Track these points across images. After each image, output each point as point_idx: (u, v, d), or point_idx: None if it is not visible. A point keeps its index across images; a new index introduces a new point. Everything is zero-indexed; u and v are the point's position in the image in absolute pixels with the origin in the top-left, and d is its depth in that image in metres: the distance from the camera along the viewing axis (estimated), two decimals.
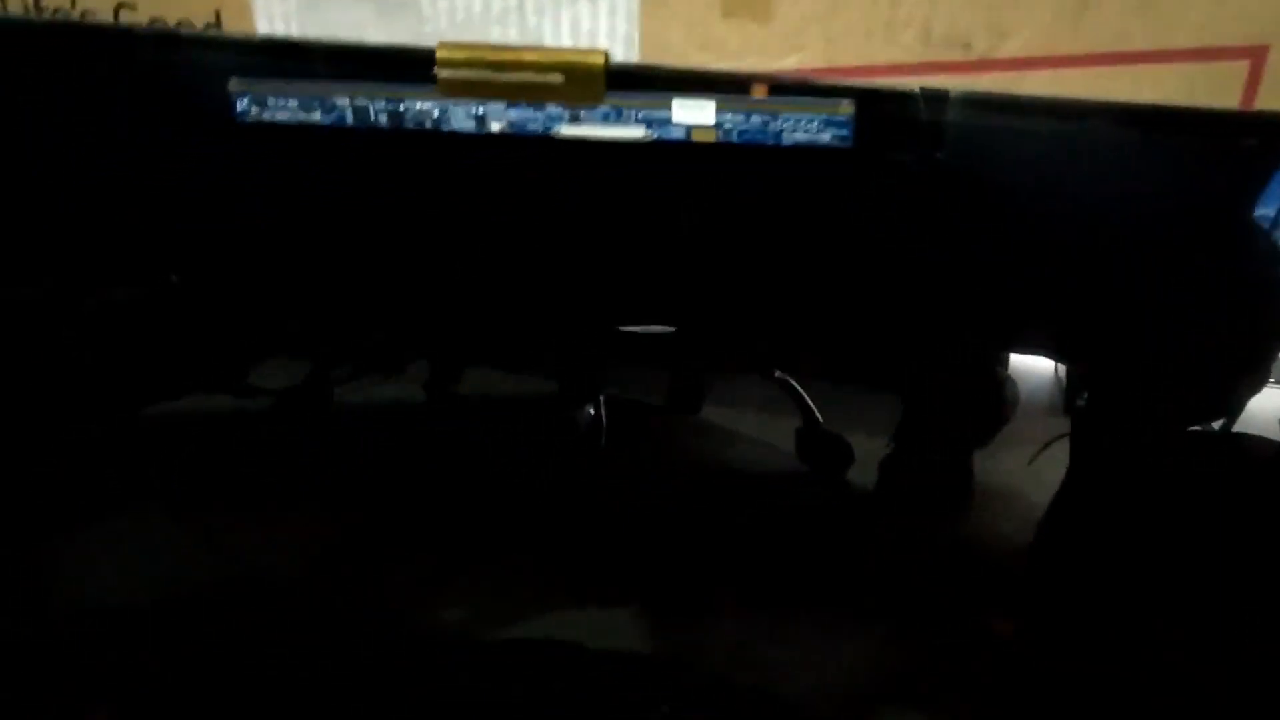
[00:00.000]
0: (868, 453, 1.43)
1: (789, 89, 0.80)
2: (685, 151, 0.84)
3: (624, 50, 0.83)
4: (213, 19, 0.88)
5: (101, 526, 1.28)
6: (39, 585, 1.18)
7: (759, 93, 0.80)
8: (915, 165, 0.84)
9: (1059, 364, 1.66)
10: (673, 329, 1.52)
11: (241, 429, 1.55)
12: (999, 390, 1.41)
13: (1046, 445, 1.29)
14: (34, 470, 1.33)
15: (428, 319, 1.59)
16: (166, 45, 0.88)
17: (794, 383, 1.53)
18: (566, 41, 0.84)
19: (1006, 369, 1.42)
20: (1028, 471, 1.33)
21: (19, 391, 1.36)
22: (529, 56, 0.82)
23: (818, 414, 1.51)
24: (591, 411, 1.47)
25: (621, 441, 1.48)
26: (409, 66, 0.83)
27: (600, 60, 0.81)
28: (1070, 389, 1.64)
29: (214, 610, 1.14)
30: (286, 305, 1.56)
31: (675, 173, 0.90)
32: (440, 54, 0.83)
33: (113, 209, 1.08)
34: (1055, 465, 1.18)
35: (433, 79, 0.83)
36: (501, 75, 0.82)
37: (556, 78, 0.81)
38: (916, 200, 0.90)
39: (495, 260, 1.15)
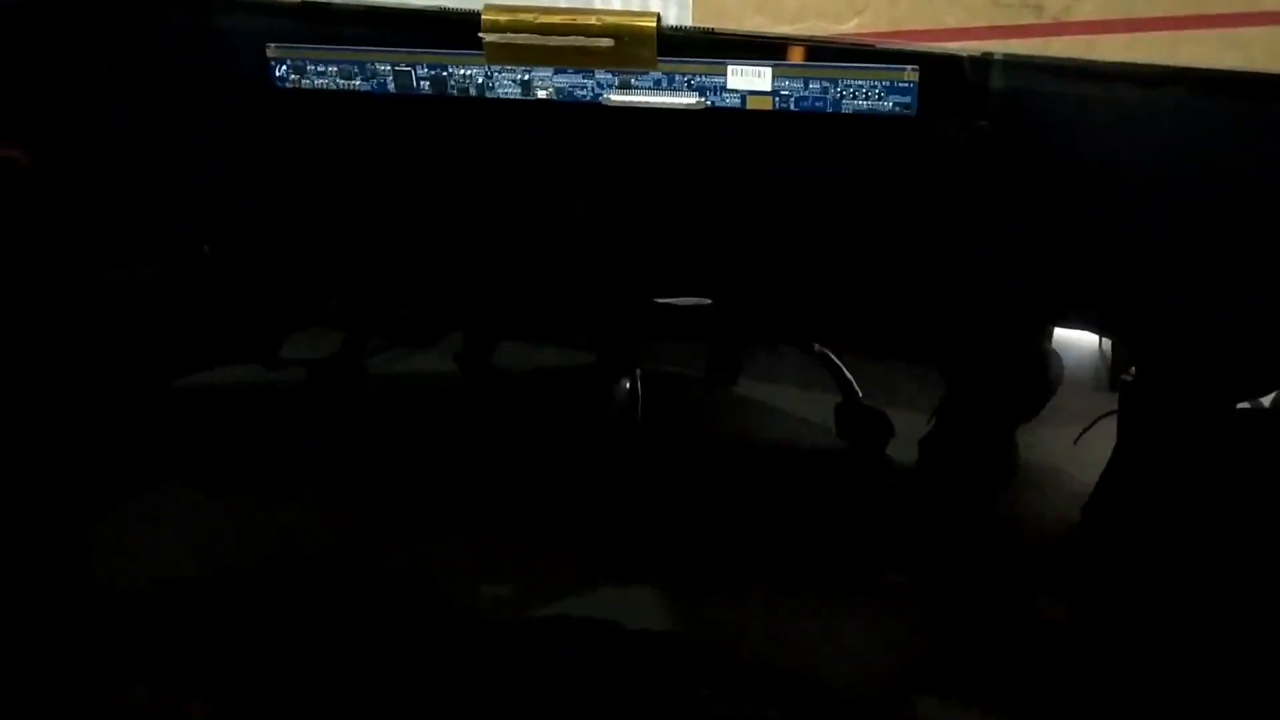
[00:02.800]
0: (909, 429, 1.39)
1: (850, 54, 0.75)
2: (739, 119, 0.80)
3: (677, 13, 0.80)
4: None
5: (132, 503, 1.25)
6: (68, 565, 1.16)
7: (796, 56, 0.76)
8: (979, 134, 0.80)
9: (1104, 339, 1.62)
10: (709, 301, 1.49)
11: (273, 402, 1.52)
12: (1044, 364, 1.36)
13: (1093, 423, 1.24)
14: (64, 446, 1.31)
15: (462, 290, 1.55)
16: (201, 9, 0.85)
17: (833, 356, 1.48)
18: (617, 4, 0.80)
19: (1050, 342, 1.38)
20: (1073, 449, 1.29)
21: (49, 367, 1.33)
22: (578, 20, 0.77)
23: (858, 388, 1.47)
24: (628, 385, 1.44)
25: (658, 416, 1.44)
26: (453, 30, 0.80)
27: (652, 24, 0.77)
28: (1116, 365, 1.60)
29: (245, 587, 1.11)
30: (321, 276, 1.53)
31: (727, 141, 0.86)
32: (486, 17, 0.78)
33: (147, 181, 1.05)
34: (1101, 443, 1.14)
35: (478, 44, 0.79)
36: (549, 39, 0.78)
37: (606, 42, 0.77)
38: (976, 170, 0.86)
39: (535, 230, 1.11)
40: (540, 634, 1.06)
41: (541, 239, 1.15)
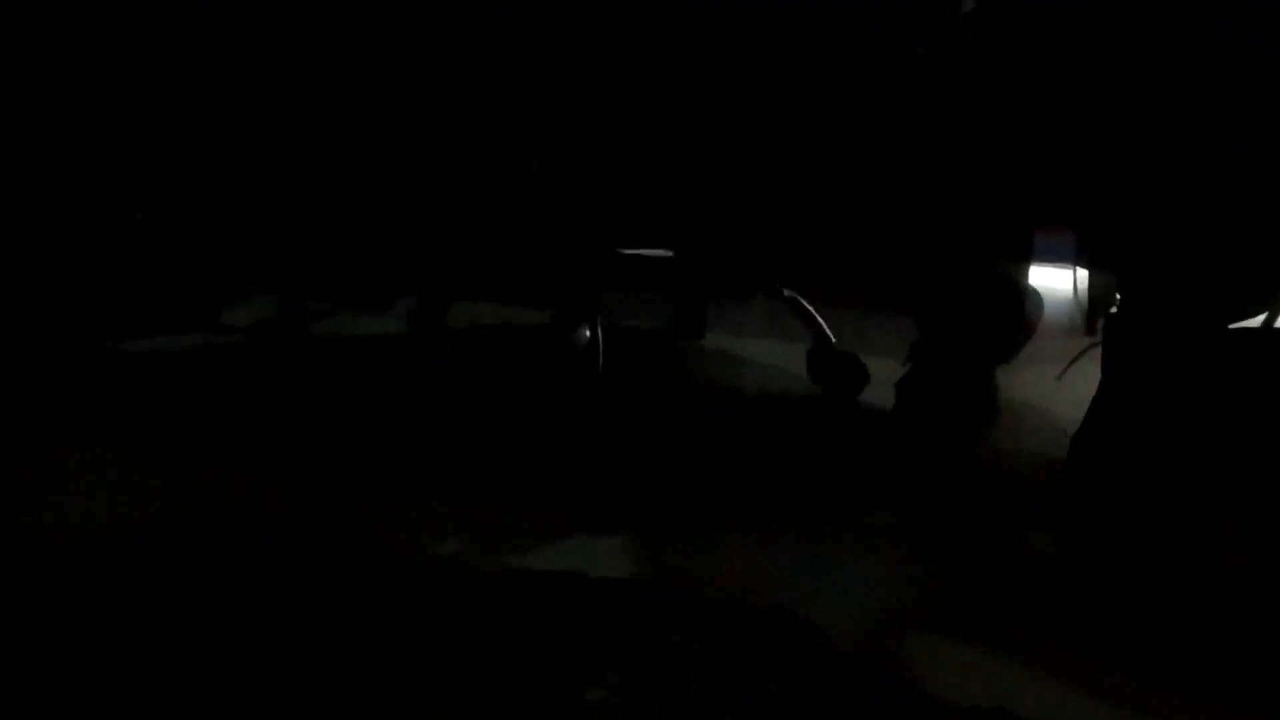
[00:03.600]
0: (884, 373, 1.30)
1: None
2: (695, 16, 0.70)
3: None
4: None
5: (74, 466, 1.16)
6: (5, 526, 1.06)
7: None
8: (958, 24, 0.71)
9: (1079, 281, 1.55)
10: (671, 253, 1.40)
11: (214, 366, 1.43)
12: (1020, 301, 1.28)
13: (1077, 358, 1.17)
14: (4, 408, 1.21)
15: (411, 245, 1.46)
16: None
17: (803, 301, 1.40)
18: None
19: (1027, 279, 1.31)
20: (1054, 388, 1.22)
21: None
22: None
23: (829, 333, 1.38)
24: (588, 334, 1.34)
25: (621, 367, 1.36)
26: None
27: None
28: (1093, 306, 1.53)
29: (192, 552, 1.02)
30: (258, 235, 1.44)
31: (680, 49, 0.77)
32: None
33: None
34: (1082, 380, 1.07)
35: None
36: None
37: None
38: (951, 73, 0.77)
39: (486, 183, 1.02)
40: (501, 586, 0.97)
41: (494, 193, 1.07)
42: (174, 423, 1.26)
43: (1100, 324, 1.12)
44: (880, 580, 0.99)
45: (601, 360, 1.33)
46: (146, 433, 1.23)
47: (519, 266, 1.52)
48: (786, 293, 1.41)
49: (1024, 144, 0.90)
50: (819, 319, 1.39)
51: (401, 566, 1.00)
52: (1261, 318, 1.01)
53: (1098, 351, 1.06)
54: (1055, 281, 1.55)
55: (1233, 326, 1.01)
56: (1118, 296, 1.11)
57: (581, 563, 1.00)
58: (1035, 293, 1.34)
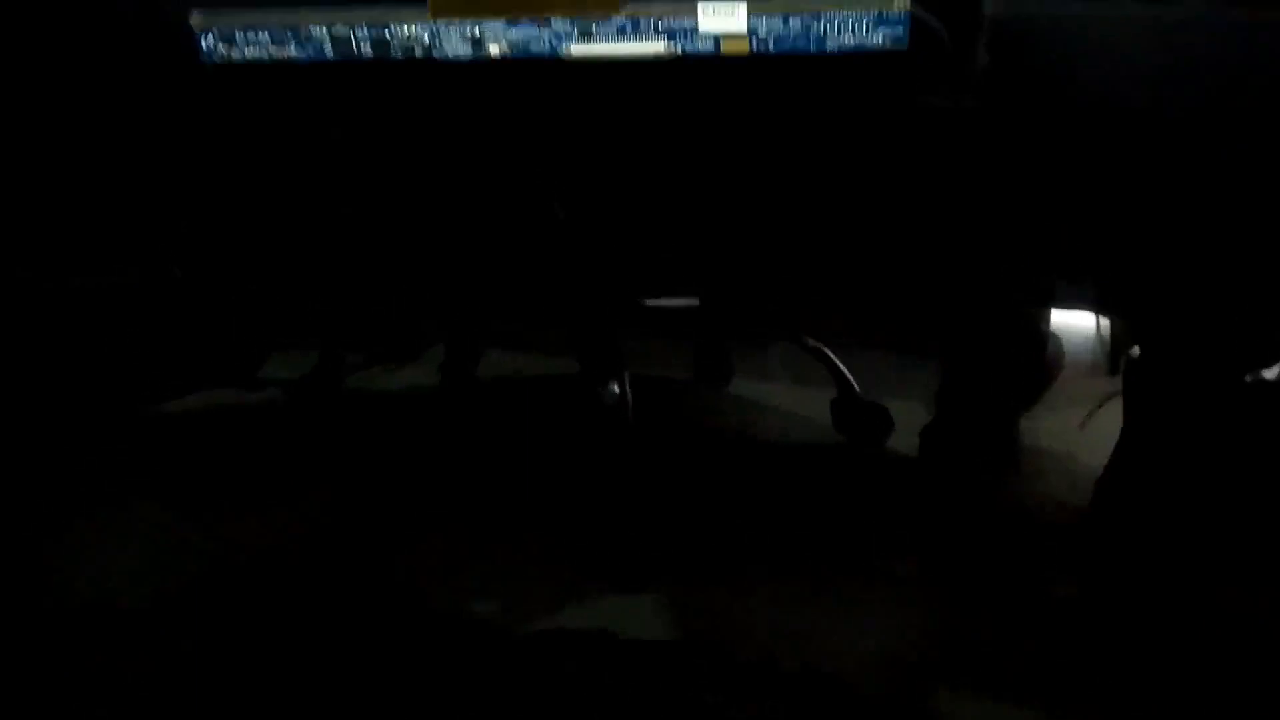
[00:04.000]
0: (908, 421, 1.30)
1: None
2: (712, 70, 0.71)
3: None
4: None
5: (112, 524, 1.17)
6: (49, 584, 1.08)
7: None
8: (975, 75, 0.71)
9: (1101, 323, 1.54)
10: (697, 301, 1.40)
11: (251, 422, 1.44)
12: (1042, 347, 1.28)
13: (1099, 406, 1.16)
14: (43, 469, 1.23)
15: (439, 296, 1.47)
16: None
17: (827, 350, 1.40)
18: None
19: (1049, 325, 1.30)
20: (1076, 434, 1.21)
21: (24, 389, 1.26)
22: None
23: (854, 382, 1.38)
24: (616, 388, 1.35)
25: (650, 418, 1.36)
26: None
27: None
28: (1115, 348, 1.52)
29: (228, 606, 1.03)
30: (290, 289, 1.45)
31: (701, 100, 0.77)
32: None
33: (83, 186, 0.97)
34: (1105, 425, 1.06)
35: None
36: None
37: None
38: (972, 117, 0.77)
39: (512, 234, 1.03)
40: (535, 647, 0.97)
41: (520, 243, 1.07)
42: (212, 479, 1.27)
43: (1122, 365, 1.12)
44: (908, 633, 0.98)
45: (631, 412, 1.34)
46: (184, 490, 1.24)
47: (546, 316, 1.53)
48: (810, 342, 1.40)
49: (1044, 193, 0.90)
50: (843, 368, 1.39)
51: (436, 625, 1.01)
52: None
53: (1119, 399, 1.06)
54: (1077, 322, 1.54)
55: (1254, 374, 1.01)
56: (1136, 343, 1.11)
57: (614, 621, 1.00)
58: (1056, 338, 1.34)
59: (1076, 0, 0.69)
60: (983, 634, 0.98)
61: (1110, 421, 1.06)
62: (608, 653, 0.97)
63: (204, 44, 0.72)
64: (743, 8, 0.66)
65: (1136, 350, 1.08)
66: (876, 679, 0.94)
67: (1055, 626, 0.99)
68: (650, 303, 1.40)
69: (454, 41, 0.70)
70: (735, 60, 0.71)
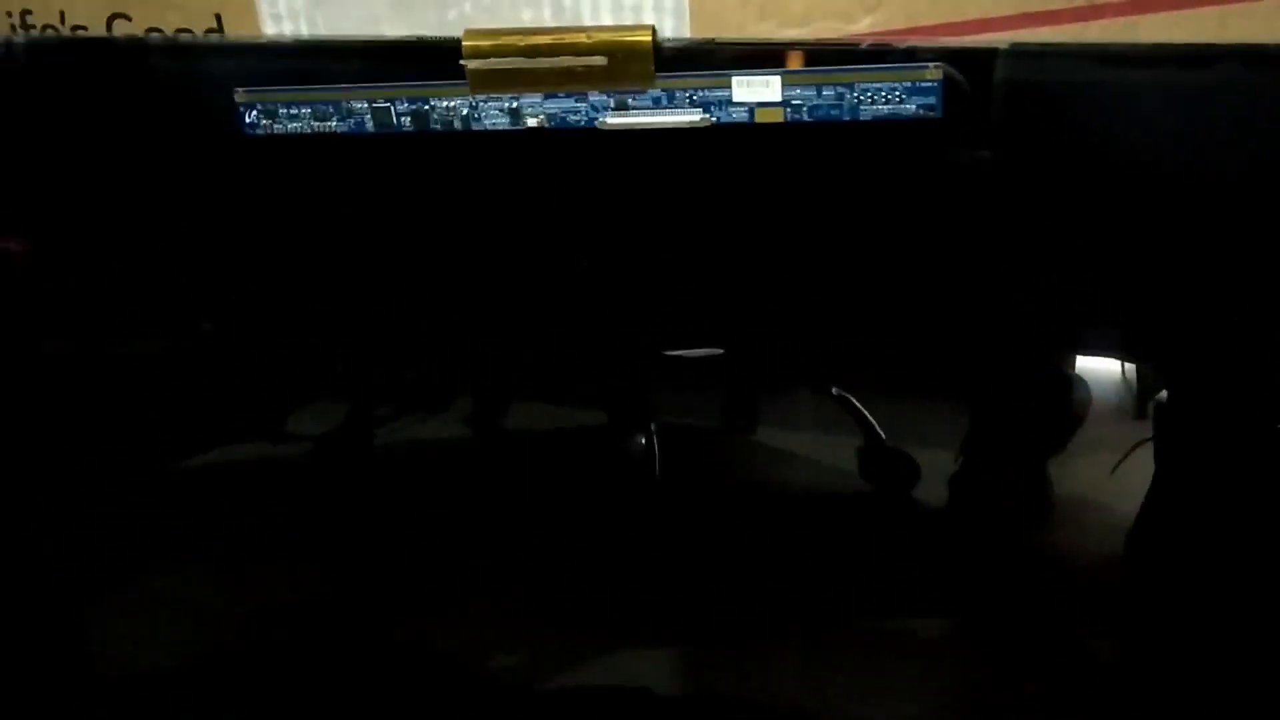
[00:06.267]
0: (935, 469, 1.29)
1: (866, 55, 0.67)
2: (746, 146, 0.71)
3: (673, 25, 0.71)
4: (214, 23, 0.76)
5: (137, 585, 1.17)
6: (74, 647, 1.07)
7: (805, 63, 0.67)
8: (1008, 139, 0.71)
9: (1127, 365, 1.53)
10: (721, 351, 1.40)
11: (280, 477, 1.44)
12: (1068, 390, 1.27)
13: (1130, 451, 1.15)
14: (65, 528, 1.22)
15: (469, 350, 1.47)
16: (166, 55, 0.76)
17: (853, 399, 1.39)
18: (607, 19, 0.72)
19: (1074, 368, 1.29)
20: (1107, 480, 1.20)
21: (49, 449, 1.25)
22: (567, 39, 0.69)
23: (880, 430, 1.38)
24: (643, 440, 1.34)
25: (677, 470, 1.35)
26: (433, 60, 0.71)
27: (648, 37, 0.68)
28: (1142, 391, 1.51)
29: (253, 663, 1.03)
30: (322, 346, 1.45)
31: (733, 166, 0.78)
32: (467, 43, 0.70)
33: (123, 250, 0.97)
34: (1137, 473, 1.05)
35: (460, 73, 0.71)
36: (537, 62, 0.69)
37: (599, 60, 0.68)
38: (1004, 180, 0.77)
39: (539, 286, 1.03)
40: (566, 705, 0.97)
41: (546, 294, 1.07)
42: (242, 537, 1.27)
43: (1151, 410, 1.11)
44: (938, 689, 0.98)
45: (658, 463, 1.33)
46: (214, 548, 1.24)
47: (573, 367, 1.53)
48: (835, 391, 1.40)
49: (1066, 242, 0.90)
50: (868, 416, 1.38)
51: (465, 681, 1.00)
52: None
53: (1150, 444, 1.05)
54: (1103, 366, 1.53)
55: None
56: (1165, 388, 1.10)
57: (643, 677, 0.99)
58: (1082, 381, 1.33)
59: (1094, 65, 0.69)
60: (1015, 692, 0.97)
61: (1144, 465, 1.05)
62: (638, 709, 0.97)
63: (247, 118, 0.73)
64: (778, 80, 0.66)
65: (1165, 394, 1.08)
66: None
67: (1096, 685, 0.98)
68: (674, 354, 1.41)
69: (492, 114, 0.71)
70: (765, 127, 0.71)
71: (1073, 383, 1.28)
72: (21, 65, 0.77)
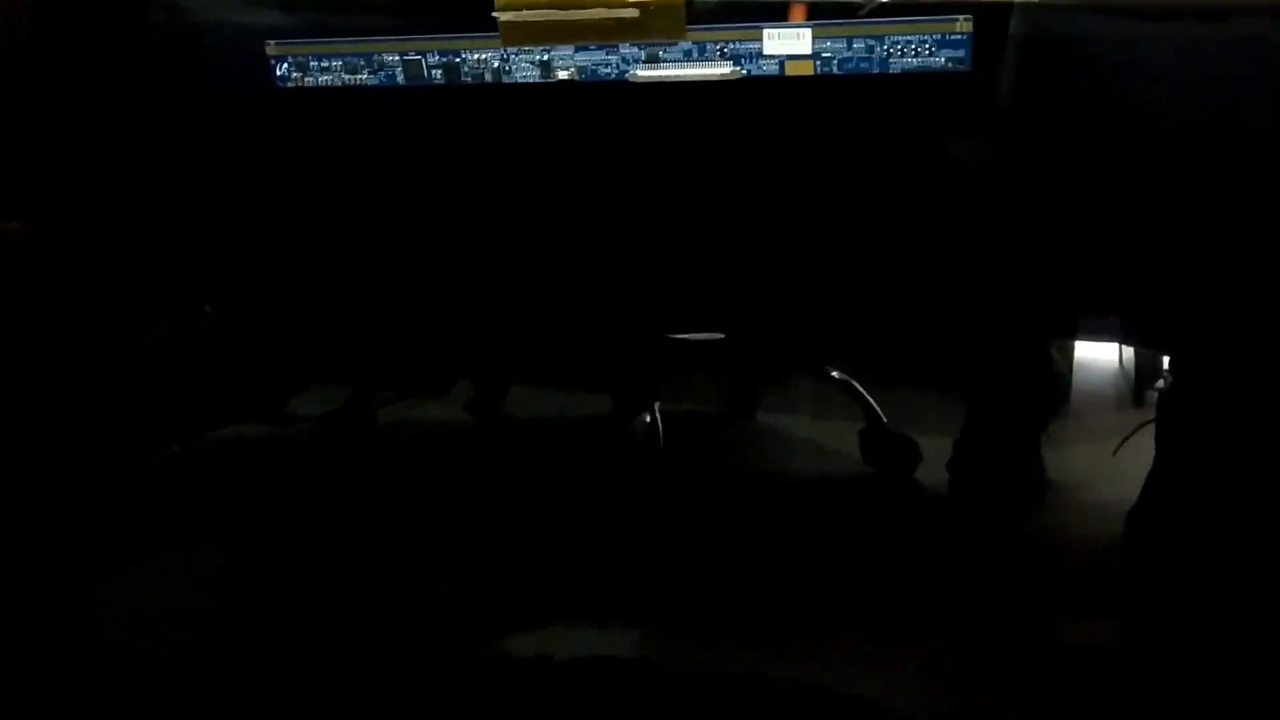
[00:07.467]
0: (937, 452, 1.30)
1: (896, 8, 0.68)
2: (774, 95, 0.72)
3: None
4: None
5: (143, 560, 1.17)
6: (80, 619, 1.07)
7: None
8: (1032, 97, 0.72)
9: (1124, 353, 1.54)
10: (723, 336, 1.40)
11: (282, 457, 1.43)
12: (1052, 370, 1.29)
13: (1132, 433, 1.16)
14: (73, 505, 1.22)
15: (471, 335, 1.47)
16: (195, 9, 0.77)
17: (855, 383, 1.40)
18: None
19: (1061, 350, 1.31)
20: (1106, 465, 1.21)
21: (56, 429, 1.25)
22: None
23: (881, 414, 1.38)
24: (648, 420, 1.35)
25: (680, 451, 1.35)
26: (465, 13, 0.72)
27: None
28: (1140, 378, 1.52)
29: (254, 641, 1.02)
30: (325, 327, 1.45)
31: (760, 127, 0.78)
32: None
33: (135, 224, 0.97)
34: (1135, 457, 1.06)
35: (492, 25, 0.71)
36: (569, 14, 0.70)
37: (631, 12, 0.69)
38: (1024, 143, 0.78)
39: (544, 271, 1.03)
40: (569, 677, 0.97)
41: (551, 281, 1.08)
42: (239, 513, 1.27)
43: (1151, 397, 1.11)
44: (938, 673, 0.98)
45: (661, 446, 1.33)
46: (216, 527, 1.24)
47: (577, 353, 1.53)
48: (837, 375, 1.41)
49: (1069, 226, 0.90)
50: (871, 400, 1.39)
51: (465, 661, 1.00)
52: None
53: (1151, 428, 1.05)
54: (1101, 353, 1.54)
55: None
56: (1166, 372, 1.11)
57: (650, 653, 0.99)
58: (1059, 358, 1.34)
59: (1112, 17, 0.69)
60: (1015, 676, 0.97)
61: (1141, 451, 1.06)
62: (640, 687, 0.97)
63: (278, 70, 0.73)
64: (808, 32, 0.67)
65: (1167, 380, 1.08)
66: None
67: (1090, 667, 0.98)
68: (679, 337, 1.41)
69: (523, 66, 0.71)
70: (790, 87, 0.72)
71: (1053, 360, 1.28)
72: (58, 12, 0.77)
